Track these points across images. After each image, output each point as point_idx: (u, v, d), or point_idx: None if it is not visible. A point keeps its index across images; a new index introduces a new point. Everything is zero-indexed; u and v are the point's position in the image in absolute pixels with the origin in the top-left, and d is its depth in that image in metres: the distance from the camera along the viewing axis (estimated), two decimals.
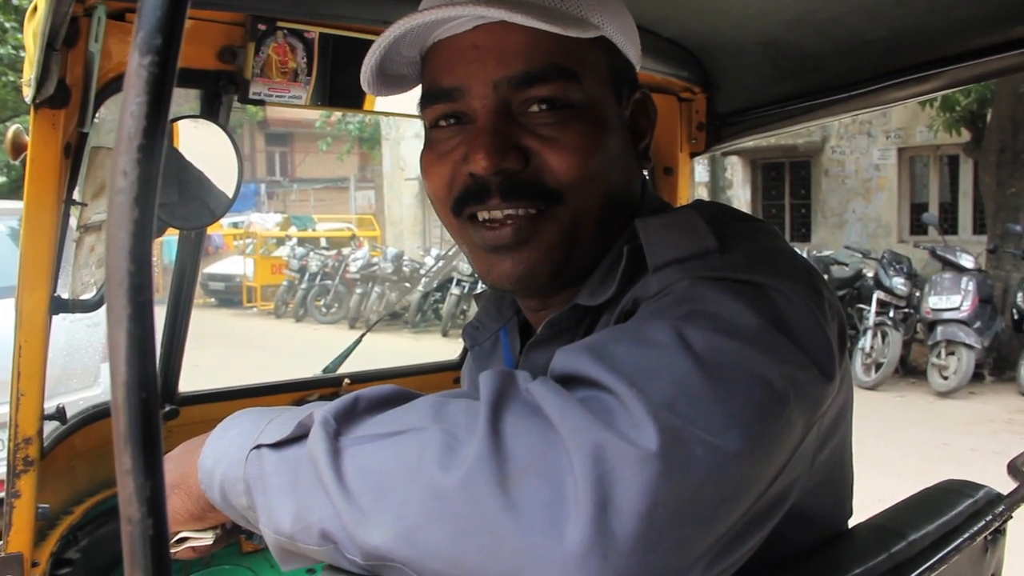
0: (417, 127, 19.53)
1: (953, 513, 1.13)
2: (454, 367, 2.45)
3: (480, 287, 12.69)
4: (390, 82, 1.07)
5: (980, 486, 1.25)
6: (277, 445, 0.80)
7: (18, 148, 1.32)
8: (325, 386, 2.17)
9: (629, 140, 1.07)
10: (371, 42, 1.01)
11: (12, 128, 1.34)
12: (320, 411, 0.78)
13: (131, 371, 0.41)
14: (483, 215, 1.00)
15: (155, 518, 0.43)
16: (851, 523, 1.07)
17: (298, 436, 0.79)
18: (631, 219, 1.03)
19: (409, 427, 0.74)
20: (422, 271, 16.05)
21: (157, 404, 0.42)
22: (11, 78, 14.51)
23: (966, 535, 1.09)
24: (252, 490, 0.81)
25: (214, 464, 0.87)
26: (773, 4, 1.53)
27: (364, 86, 1.05)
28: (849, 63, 1.72)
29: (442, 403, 0.76)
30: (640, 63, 1.11)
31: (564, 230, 0.99)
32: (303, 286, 17.57)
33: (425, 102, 1.04)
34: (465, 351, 2.45)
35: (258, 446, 0.82)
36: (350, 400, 0.80)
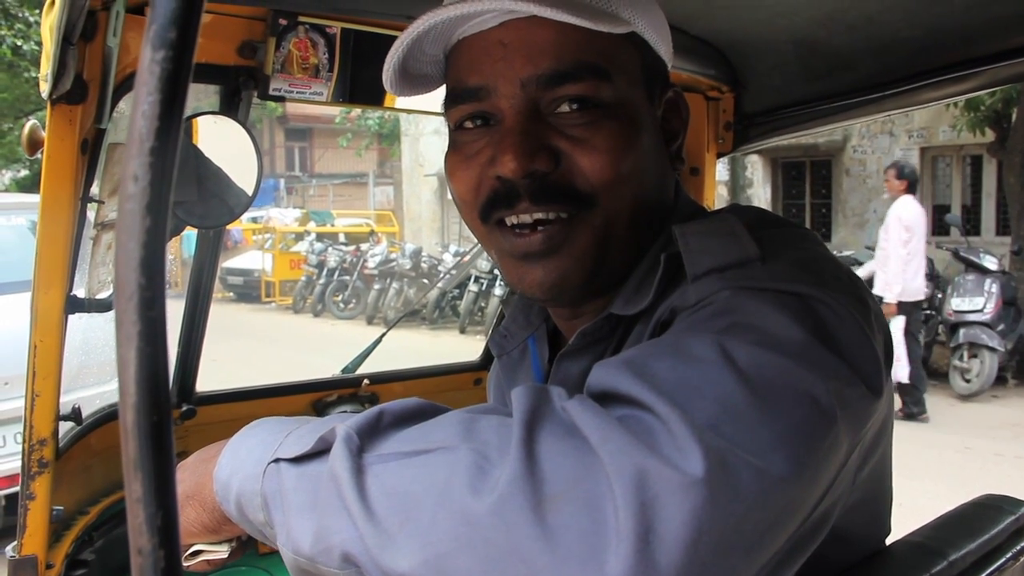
0: (436, 123, 19.54)
1: (995, 531, 1.09)
2: (474, 368, 2.42)
3: (499, 285, 12.59)
4: (413, 82, 1.03)
5: (1021, 502, 1.21)
6: (297, 460, 0.77)
7: (34, 144, 1.29)
8: (344, 386, 2.15)
9: (662, 140, 1.03)
10: (394, 38, 0.98)
11: (29, 124, 1.31)
12: (342, 426, 0.75)
13: (141, 393, 0.38)
14: (512, 220, 0.96)
15: (167, 549, 0.40)
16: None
17: (319, 451, 0.76)
18: (664, 223, 1.00)
19: (437, 445, 0.70)
20: (440, 267, 16.02)
21: (170, 428, 0.39)
22: (33, 74, 14.62)
23: (1009, 555, 1.06)
24: (270, 506, 0.78)
25: (230, 476, 0.84)
26: (804, 1, 1.49)
27: (386, 86, 1.01)
28: (882, 62, 1.68)
29: (472, 420, 0.73)
30: (672, 60, 1.07)
31: (596, 235, 0.95)
32: (321, 281, 17.58)
33: (449, 102, 0.99)
34: (486, 352, 2.42)
35: (276, 460, 0.78)
36: (374, 415, 0.76)
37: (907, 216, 8.26)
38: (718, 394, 0.67)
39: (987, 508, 1.18)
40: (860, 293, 0.84)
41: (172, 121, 0.38)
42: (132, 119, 0.38)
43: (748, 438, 0.64)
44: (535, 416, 0.68)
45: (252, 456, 0.82)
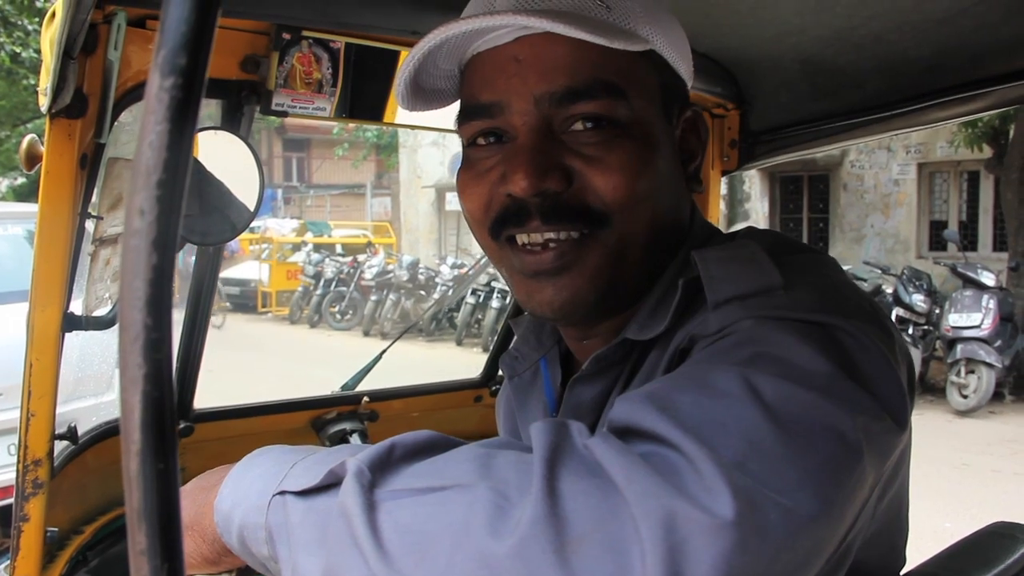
0: (434, 135, 19.55)
1: (1009, 561, 1.07)
2: (475, 385, 2.39)
3: (495, 297, 12.59)
4: (426, 96, 1.01)
5: None
6: (304, 493, 0.74)
7: (33, 159, 1.27)
8: (344, 403, 2.12)
9: (679, 161, 1.01)
10: (399, 54, 0.96)
11: (27, 138, 1.29)
12: (353, 459, 0.72)
13: (147, 439, 0.36)
14: (522, 239, 0.94)
15: None
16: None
17: (328, 485, 0.73)
18: (679, 246, 0.98)
19: (453, 482, 0.68)
20: (437, 279, 16.01)
21: (176, 476, 0.37)
22: (32, 81, 14.62)
23: None
24: (275, 541, 0.75)
25: (232, 507, 0.81)
26: (812, 20, 1.47)
27: (399, 100, 1.00)
28: (889, 81, 1.67)
29: (489, 456, 0.70)
30: (692, 79, 1.05)
31: (609, 255, 0.93)
32: (318, 292, 17.55)
33: (463, 118, 0.98)
34: (487, 369, 2.40)
35: (282, 492, 0.76)
36: (385, 448, 0.74)
37: None
38: (744, 430, 0.65)
39: (1000, 537, 1.16)
40: (883, 322, 0.82)
41: (181, 151, 0.36)
42: (139, 149, 0.36)
43: (776, 476, 0.63)
44: (556, 453, 0.66)
45: (255, 487, 0.79)
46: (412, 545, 0.65)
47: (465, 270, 14.69)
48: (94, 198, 1.40)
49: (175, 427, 0.37)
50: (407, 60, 0.94)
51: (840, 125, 1.81)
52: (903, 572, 1.01)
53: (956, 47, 1.48)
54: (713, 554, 0.58)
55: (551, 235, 0.92)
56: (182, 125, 0.36)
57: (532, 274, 0.95)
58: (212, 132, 1.51)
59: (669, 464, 0.63)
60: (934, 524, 5.39)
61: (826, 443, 0.67)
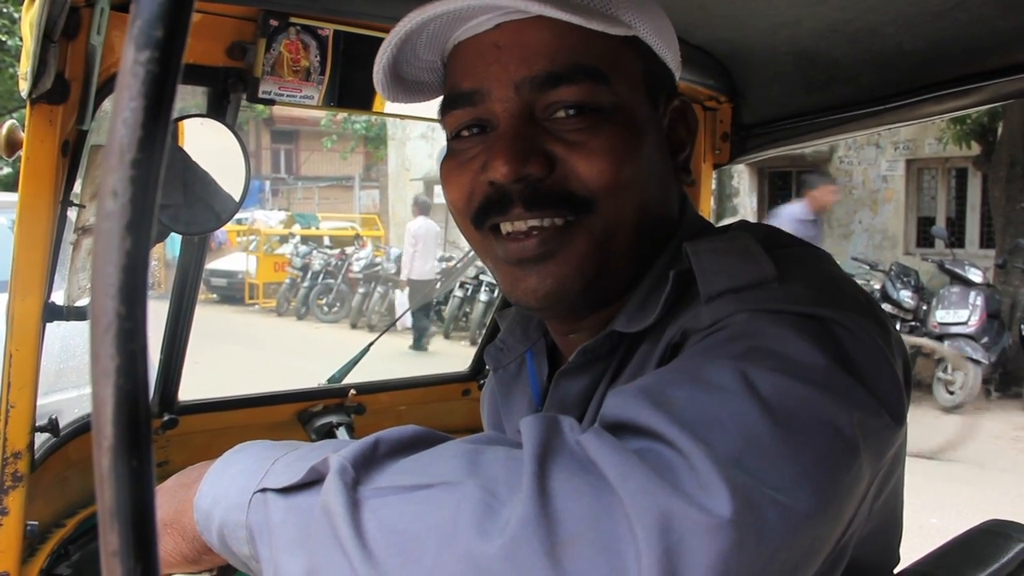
0: (423, 128, 19.49)
1: (1004, 560, 1.06)
2: (462, 379, 2.38)
3: (483, 291, 12.56)
4: (410, 88, 1.00)
5: None
6: (285, 491, 0.72)
7: (13, 145, 1.24)
8: (330, 396, 2.10)
9: (667, 151, 0.99)
10: None
11: (7, 124, 1.26)
12: (336, 456, 0.70)
13: (120, 435, 0.33)
14: (506, 227, 0.92)
15: None
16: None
17: (310, 482, 0.71)
18: (669, 238, 0.96)
19: (439, 480, 0.66)
20: None
21: (151, 474, 0.35)
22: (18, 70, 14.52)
23: None
24: (256, 540, 0.73)
25: (212, 505, 0.79)
26: (806, 12, 1.46)
27: (378, 90, 0.98)
28: (884, 75, 1.66)
29: (477, 452, 0.68)
30: (680, 70, 1.03)
31: (595, 242, 0.91)
32: (305, 284, 17.49)
33: (445, 108, 0.96)
34: (475, 363, 2.38)
35: (263, 489, 0.74)
36: (369, 444, 0.72)
37: (414, 228, 13.35)
38: (741, 426, 0.63)
39: (994, 535, 1.14)
40: (879, 315, 0.81)
41: (157, 130, 0.34)
42: (112, 127, 0.34)
43: (773, 473, 0.61)
44: (547, 450, 0.64)
45: (236, 484, 0.77)
46: (397, 545, 0.63)
47: (453, 263, 14.66)
48: (76, 187, 1.37)
49: (150, 422, 0.34)
50: (383, 46, 0.93)
51: (833, 119, 1.79)
52: (897, 570, 1.00)
53: (952, 40, 1.47)
54: (711, 554, 0.56)
55: (534, 222, 0.91)
56: (159, 102, 0.34)
57: (516, 262, 0.93)
58: (198, 120, 1.49)
59: (664, 461, 0.61)
60: (920, 520, 5.40)
61: (823, 439, 0.65)
